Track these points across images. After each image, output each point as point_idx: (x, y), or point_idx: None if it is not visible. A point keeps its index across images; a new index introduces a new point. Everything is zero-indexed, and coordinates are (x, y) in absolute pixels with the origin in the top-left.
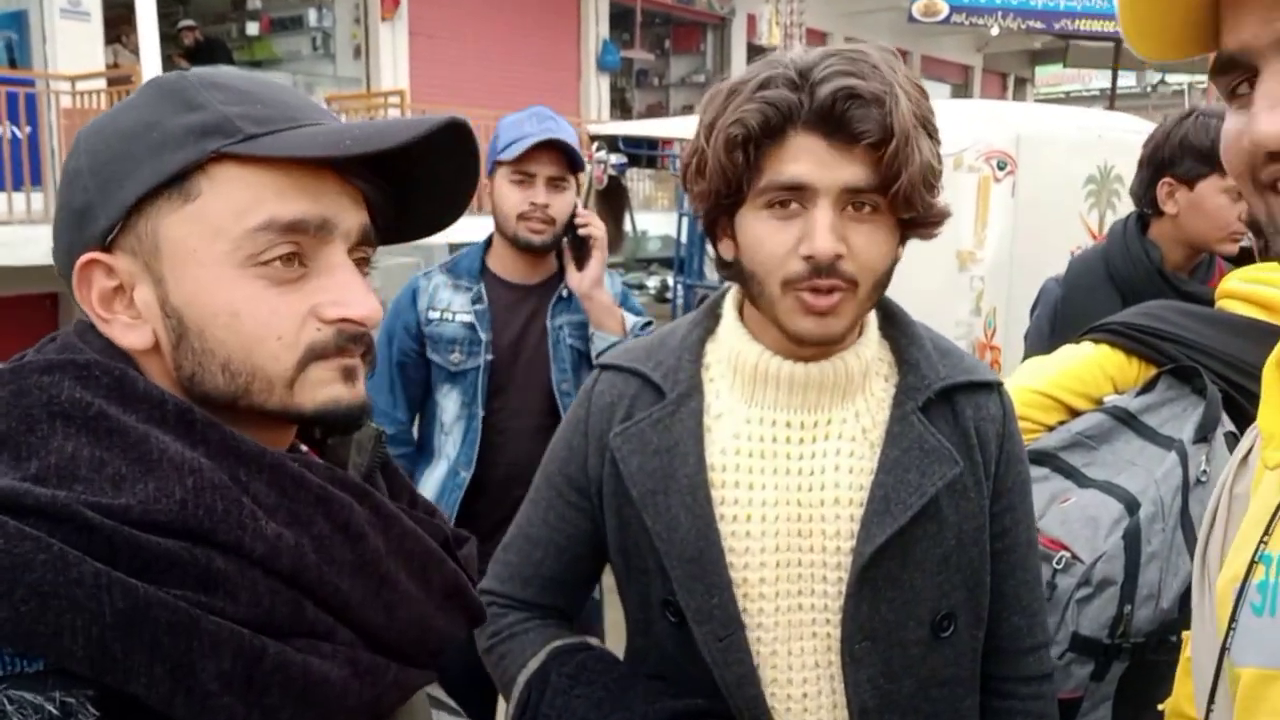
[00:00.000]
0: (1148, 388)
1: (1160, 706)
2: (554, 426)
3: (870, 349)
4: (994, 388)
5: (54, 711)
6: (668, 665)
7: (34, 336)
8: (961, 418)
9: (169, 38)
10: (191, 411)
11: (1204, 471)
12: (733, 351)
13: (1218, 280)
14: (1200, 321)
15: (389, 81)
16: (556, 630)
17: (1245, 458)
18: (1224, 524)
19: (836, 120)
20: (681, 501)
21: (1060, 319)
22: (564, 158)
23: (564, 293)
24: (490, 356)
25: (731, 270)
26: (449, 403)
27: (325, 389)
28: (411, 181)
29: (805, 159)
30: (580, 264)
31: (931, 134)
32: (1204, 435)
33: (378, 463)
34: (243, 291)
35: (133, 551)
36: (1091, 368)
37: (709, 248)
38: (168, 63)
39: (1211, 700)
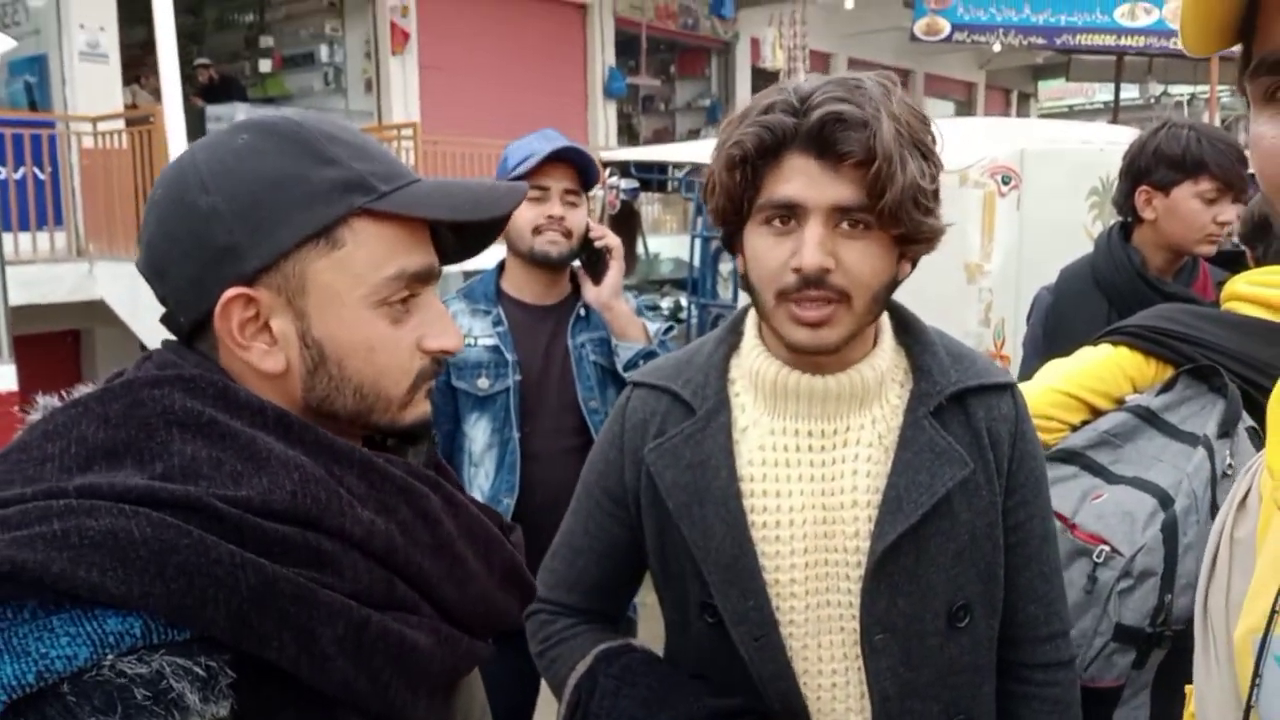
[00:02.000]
0: (1167, 387)
1: None
2: (586, 446)
3: (885, 359)
4: (1006, 389)
5: (201, 674)
6: (705, 664)
7: (56, 372)
8: (974, 419)
9: (185, 77)
10: (288, 416)
11: (1229, 465)
12: (754, 368)
13: (1202, 282)
14: (1212, 323)
15: (400, 114)
16: (602, 634)
17: (1243, 501)
18: (1225, 570)
19: (825, 142)
20: (716, 512)
21: (1051, 325)
22: (576, 172)
23: (582, 311)
24: (519, 377)
25: (746, 284)
26: (478, 432)
27: (420, 407)
28: (471, 229)
29: (798, 178)
30: (598, 278)
31: (926, 155)
32: (1226, 430)
33: (431, 463)
34: (376, 329)
35: (257, 536)
36: (1111, 368)
37: (721, 268)
38: (186, 102)
39: None
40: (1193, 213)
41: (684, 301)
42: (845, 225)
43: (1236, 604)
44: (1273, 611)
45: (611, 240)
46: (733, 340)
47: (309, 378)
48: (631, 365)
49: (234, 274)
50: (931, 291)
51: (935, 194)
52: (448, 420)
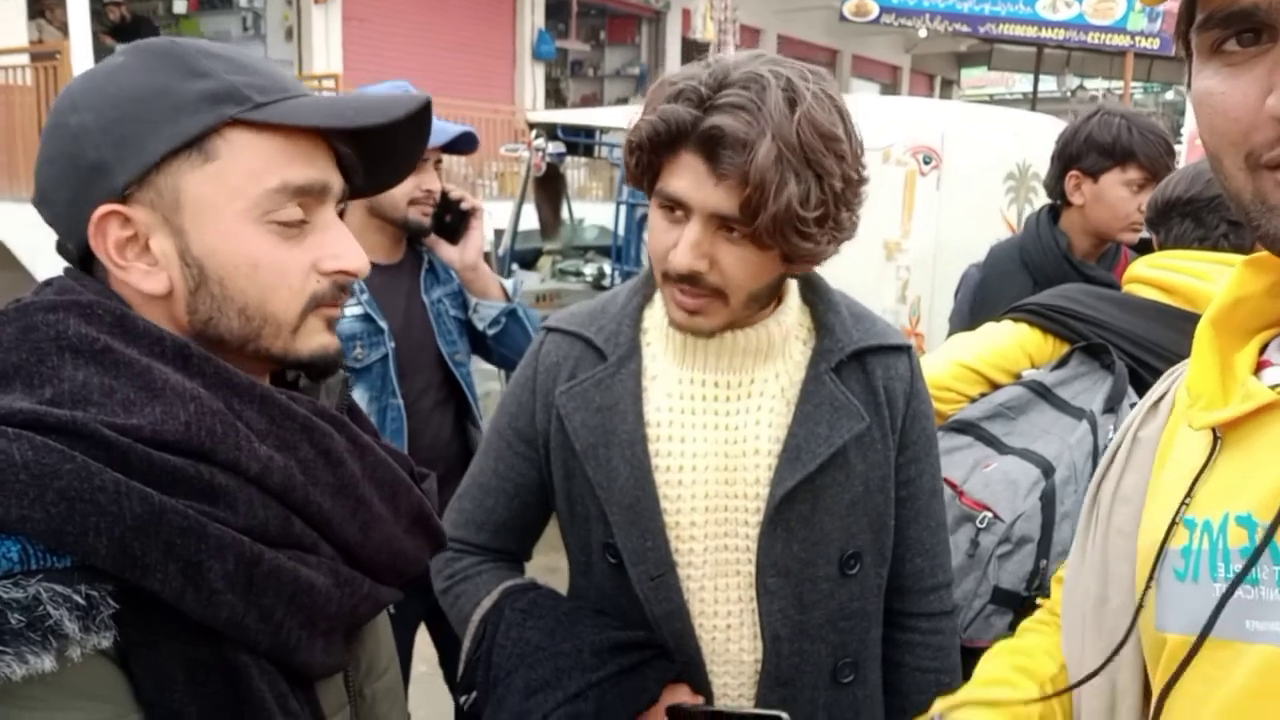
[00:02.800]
0: (1061, 363)
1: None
2: (455, 398)
3: (790, 316)
4: (903, 350)
5: (80, 602)
6: (606, 603)
7: None
8: (872, 377)
9: (94, 13)
10: (188, 347)
11: (1110, 439)
12: (666, 319)
13: (1123, 268)
14: (1110, 304)
15: (321, 65)
16: (509, 572)
17: (1156, 404)
18: (1121, 465)
19: (709, 153)
20: (621, 454)
21: (978, 301)
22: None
23: (428, 265)
24: (393, 343)
25: None
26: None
27: (318, 336)
28: (373, 147)
29: (687, 177)
30: (456, 239)
31: (821, 175)
32: (1112, 406)
33: (344, 405)
34: (260, 246)
35: (145, 466)
36: (1011, 345)
37: (644, 236)
38: (95, 40)
39: (1116, 653)
40: (1119, 200)
41: (608, 269)
42: (725, 229)
43: (1124, 497)
44: (1172, 524)
45: (476, 203)
46: (646, 291)
47: (191, 298)
48: (495, 323)
49: (105, 192)
50: (849, 267)
51: (823, 219)
52: None
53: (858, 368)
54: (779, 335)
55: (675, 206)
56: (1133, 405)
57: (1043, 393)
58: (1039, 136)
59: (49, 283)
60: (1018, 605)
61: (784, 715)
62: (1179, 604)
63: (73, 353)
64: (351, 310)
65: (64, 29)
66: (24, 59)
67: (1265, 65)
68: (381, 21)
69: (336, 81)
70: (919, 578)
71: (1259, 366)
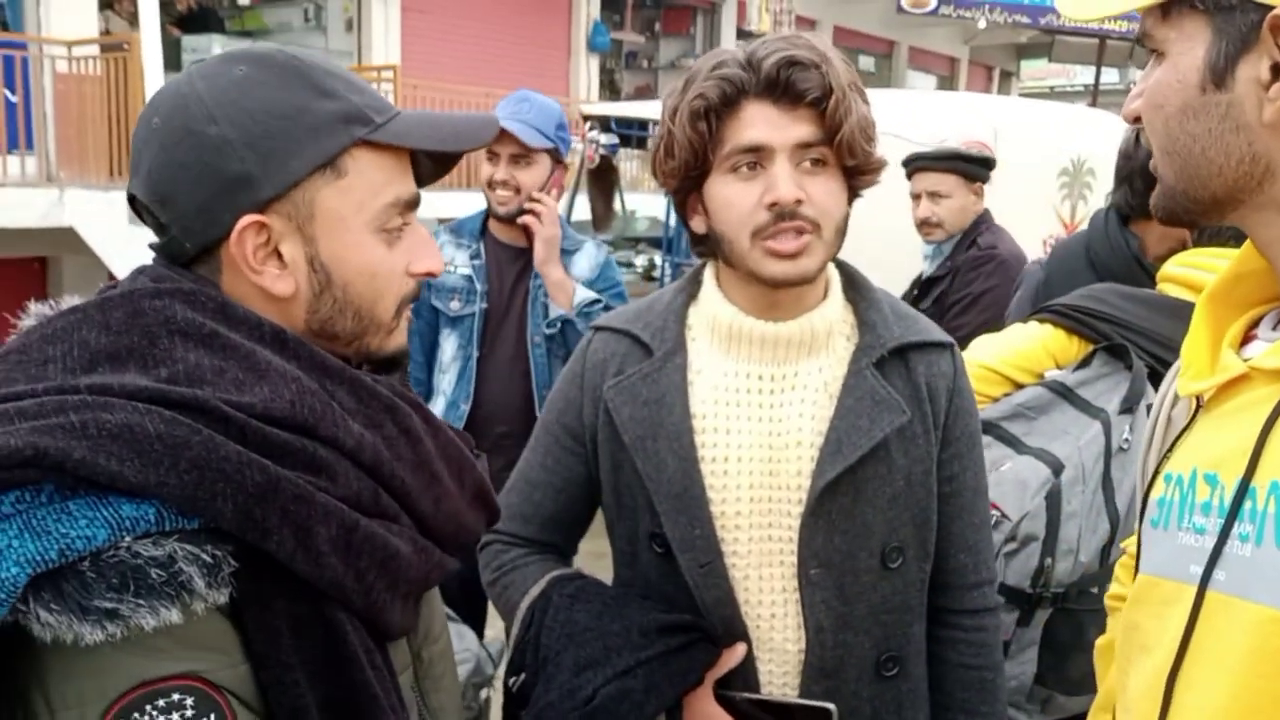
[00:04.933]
0: (1084, 363)
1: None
2: (524, 373)
3: (834, 310)
4: (947, 347)
5: (208, 560)
6: (652, 593)
7: (22, 300)
8: (914, 373)
9: (162, 4)
10: (284, 332)
11: (1126, 440)
12: (711, 313)
13: None
14: (1136, 303)
15: (380, 56)
16: (555, 563)
17: None
18: (1158, 444)
19: (782, 85)
20: (668, 446)
21: (1041, 300)
22: (518, 140)
23: None
24: (484, 305)
25: (705, 243)
26: (448, 345)
27: (401, 336)
28: (441, 157)
29: (760, 123)
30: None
31: (863, 98)
32: (1129, 406)
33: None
34: (376, 254)
35: (260, 439)
36: (1035, 345)
37: None
38: (162, 30)
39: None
40: None
41: (658, 260)
42: (806, 163)
43: (1147, 472)
44: (1154, 476)
45: (531, 218)
46: (692, 290)
47: (315, 300)
48: (551, 325)
49: (248, 202)
50: (898, 263)
51: (875, 127)
52: (432, 331)
53: (900, 363)
54: (822, 329)
55: (750, 163)
56: (1149, 405)
57: (1064, 393)
58: (1095, 132)
59: (141, 271)
60: (1024, 603)
61: (831, 707)
62: (1152, 549)
63: (182, 336)
64: (461, 270)
65: (131, 20)
66: (95, 50)
67: None
68: (440, 13)
69: (395, 73)
70: (962, 574)
71: (1245, 340)
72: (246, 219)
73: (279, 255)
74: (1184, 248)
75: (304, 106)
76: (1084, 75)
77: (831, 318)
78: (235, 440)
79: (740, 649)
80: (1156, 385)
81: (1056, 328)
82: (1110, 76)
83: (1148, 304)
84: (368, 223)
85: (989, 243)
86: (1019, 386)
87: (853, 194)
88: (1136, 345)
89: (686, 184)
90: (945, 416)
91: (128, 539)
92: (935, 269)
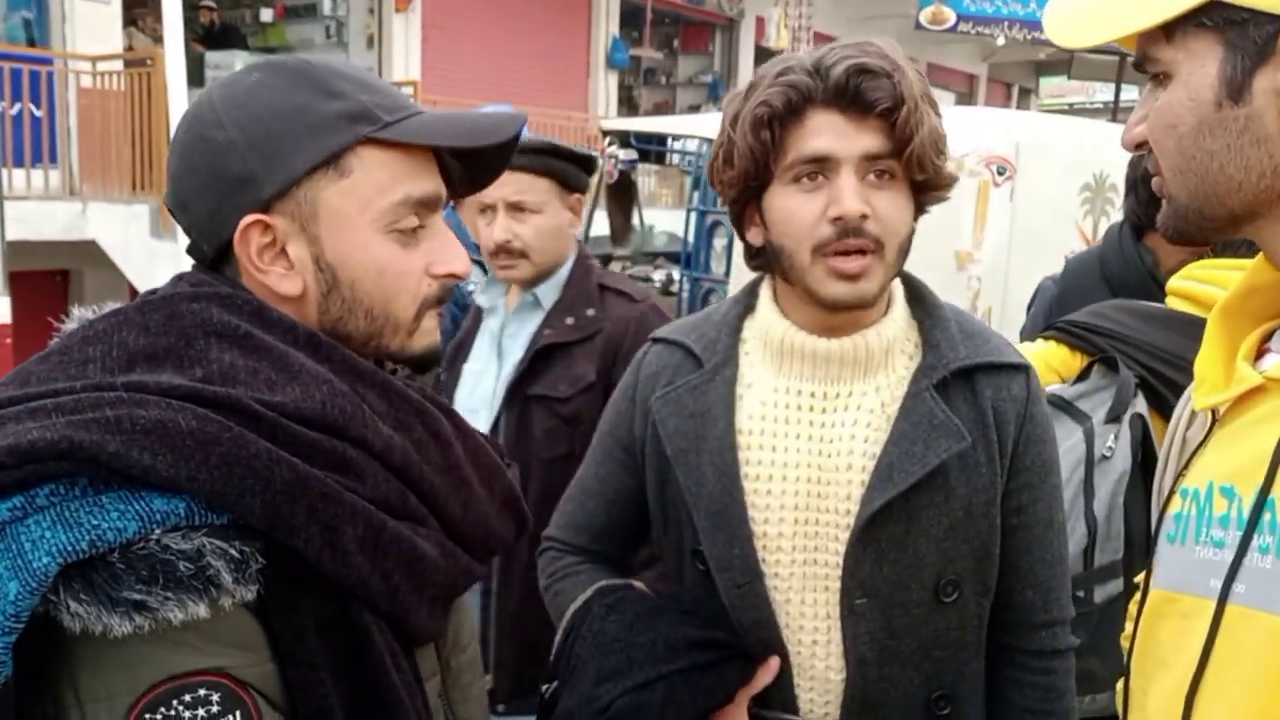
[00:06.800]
0: (1082, 376)
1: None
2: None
3: (894, 328)
4: (1020, 370)
5: (235, 555)
6: (696, 609)
7: (45, 312)
8: (980, 397)
9: (185, 20)
10: (317, 335)
11: (1110, 448)
12: (764, 327)
13: None
14: (1134, 316)
15: (400, 72)
16: (606, 573)
17: None
18: (1174, 464)
19: (851, 94)
20: (710, 460)
21: (1055, 316)
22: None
23: None
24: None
25: (761, 257)
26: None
27: (429, 335)
28: (473, 159)
29: (826, 132)
30: None
31: (936, 110)
32: (1115, 416)
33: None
34: (385, 253)
35: (290, 438)
36: (1038, 363)
37: (715, 242)
38: (185, 47)
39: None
40: None
41: (676, 275)
42: (872, 176)
43: (1162, 491)
44: (1171, 492)
45: None
46: (749, 302)
47: (323, 300)
48: None
49: (250, 202)
50: (920, 277)
51: (946, 140)
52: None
53: (965, 386)
54: (879, 347)
55: (813, 173)
56: (1135, 415)
57: (1063, 406)
58: (1117, 147)
59: (181, 277)
60: None
61: None
62: (1166, 564)
63: (218, 337)
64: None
65: (155, 37)
66: (118, 65)
67: None
68: (460, 29)
69: (415, 88)
70: (1030, 611)
71: (1260, 353)
72: (249, 218)
73: (286, 255)
74: (1198, 259)
75: (307, 107)
76: (1103, 92)
77: (890, 336)
78: (266, 438)
79: (774, 664)
80: (1150, 397)
81: (1059, 344)
82: (1130, 93)
83: (1144, 316)
84: (373, 221)
85: None
86: None
87: (919, 210)
88: (1128, 356)
89: (745, 194)
90: (1014, 444)
91: (157, 532)
92: None
